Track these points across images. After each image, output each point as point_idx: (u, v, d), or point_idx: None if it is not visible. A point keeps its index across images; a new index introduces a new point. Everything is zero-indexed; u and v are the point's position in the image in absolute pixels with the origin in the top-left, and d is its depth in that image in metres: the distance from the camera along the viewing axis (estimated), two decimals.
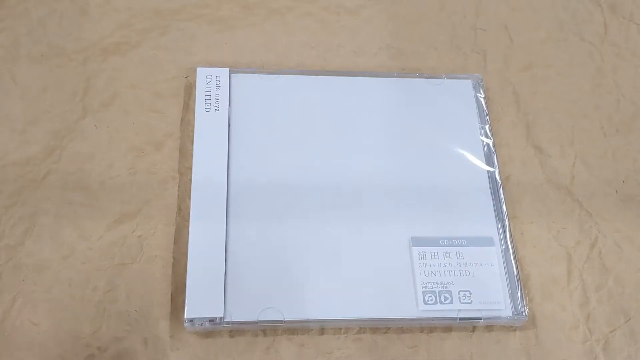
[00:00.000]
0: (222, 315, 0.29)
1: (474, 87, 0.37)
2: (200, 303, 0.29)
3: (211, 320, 0.29)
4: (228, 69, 0.36)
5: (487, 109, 0.37)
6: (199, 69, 0.36)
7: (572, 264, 0.34)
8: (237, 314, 0.29)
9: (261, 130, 0.34)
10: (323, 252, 0.31)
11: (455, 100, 0.36)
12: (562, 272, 0.34)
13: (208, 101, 0.34)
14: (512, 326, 0.32)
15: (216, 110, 0.34)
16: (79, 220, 0.33)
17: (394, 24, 0.40)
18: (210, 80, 0.35)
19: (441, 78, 0.37)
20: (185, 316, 0.29)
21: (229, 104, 0.34)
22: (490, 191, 0.34)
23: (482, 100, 0.37)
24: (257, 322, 0.29)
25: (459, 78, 0.37)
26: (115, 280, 0.32)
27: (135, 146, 0.35)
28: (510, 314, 0.31)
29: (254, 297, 0.30)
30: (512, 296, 0.31)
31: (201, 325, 0.29)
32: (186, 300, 0.29)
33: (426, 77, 0.37)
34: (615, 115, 0.38)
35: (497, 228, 0.33)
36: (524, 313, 0.31)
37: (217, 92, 0.35)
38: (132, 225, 0.33)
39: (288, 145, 0.34)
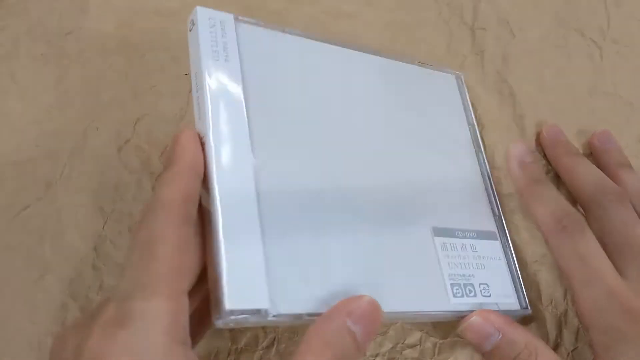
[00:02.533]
0: (268, 307, 0.24)
1: (457, 83, 0.37)
2: (242, 292, 0.23)
3: (255, 312, 0.23)
4: (232, 14, 0.29)
5: (472, 106, 0.37)
6: (199, 9, 0.28)
7: None
8: (284, 306, 0.24)
9: (275, 93, 0.29)
10: (355, 240, 0.28)
11: (442, 93, 0.36)
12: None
13: (215, 48, 0.27)
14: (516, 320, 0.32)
15: (226, 60, 0.28)
16: (80, 219, 0.33)
17: (392, 28, 0.41)
18: (214, 24, 0.28)
19: (431, 67, 0.37)
20: (226, 307, 0.22)
21: (239, 56, 0.28)
22: (484, 185, 0.34)
23: (466, 96, 0.37)
24: (301, 315, 0.25)
25: (444, 71, 0.37)
26: None
27: (140, 146, 0.35)
28: (519, 308, 0.31)
29: (297, 287, 0.25)
30: (515, 290, 0.31)
31: (243, 318, 0.23)
32: (225, 288, 0.23)
33: (418, 64, 0.36)
34: (612, 118, 0.39)
35: (495, 222, 0.33)
36: (528, 307, 0.31)
37: (224, 39, 0.28)
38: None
39: (305, 113, 0.29)
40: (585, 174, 0.34)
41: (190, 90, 0.36)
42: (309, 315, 0.25)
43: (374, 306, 0.25)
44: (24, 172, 0.34)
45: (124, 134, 0.35)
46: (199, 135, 0.26)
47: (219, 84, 0.27)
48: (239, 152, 0.26)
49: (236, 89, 0.27)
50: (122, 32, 0.38)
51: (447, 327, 0.32)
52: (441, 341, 0.32)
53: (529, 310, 0.31)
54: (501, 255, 0.32)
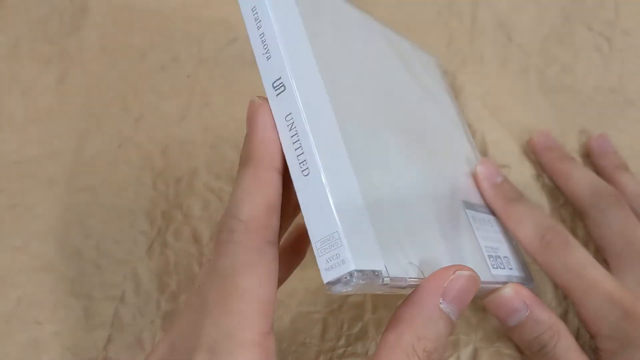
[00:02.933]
0: (382, 269, 0.21)
1: (437, 64, 0.37)
2: (361, 253, 0.20)
3: (372, 275, 0.21)
4: None
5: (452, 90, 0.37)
6: None
7: None
8: (392, 270, 0.21)
9: (325, 42, 0.26)
10: (428, 209, 0.26)
11: (433, 73, 0.36)
12: None
13: None
14: None
15: None
16: (83, 218, 0.33)
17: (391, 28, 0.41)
18: None
19: (416, 46, 0.36)
20: (351, 268, 0.20)
21: None
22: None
23: (446, 79, 0.37)
24: (405, 280, 0.22)
25: (425, 52, 0.37)
26: None
27: (140, 144, 0.35)
28: (528, 281, 0.31)
29: (399, 252, 0.22)
30: (522, 263, 0.32)
31: (361, 279, 0.20)
32: (347, 249, 0.20)
33: (409, 42, 0.36)
34: (614, 117, 0.38)
35: None
36: (532, 280, 0.32)
37: None
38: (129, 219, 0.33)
39: (355, 73, 0.27)
40: (581, 177, 0.33)
41: (191, 91, 0.36)
42: (411, 279, 0.22)
43: (473, 281, 0.23)
44: (27, 171, 0.34)
45: (125, 132, 0.36)
46: (266, 98, 0.23)
47: (284, 22, 0.23)
48: (322, 103, 0.23)
49: (301, 32, 0.23)
50: (122, 32, 0.38)
51: None
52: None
53: (533, 284, 0.32)
54: (505, 230, 0.32)
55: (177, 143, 0.35)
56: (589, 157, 0.37)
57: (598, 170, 0.35)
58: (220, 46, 0.38)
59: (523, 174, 0.36)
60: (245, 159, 0.22)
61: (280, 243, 0.27)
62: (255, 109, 0.22)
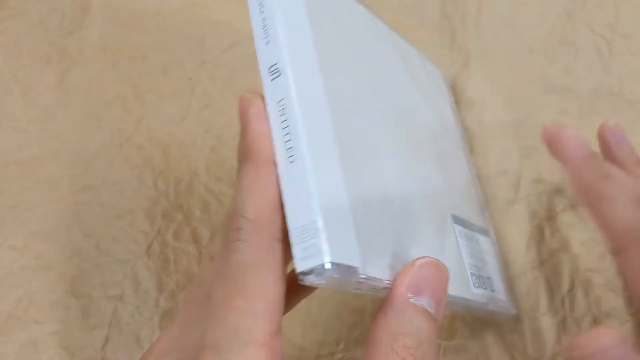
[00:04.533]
0: (359, 265, 0.20)
1: (443, 77, 0.37)
2: (337, 247, 0.20)
3: (348, 270, 0.20)
4: None
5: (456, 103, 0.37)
6: None
7: None
8: (369, 268, 0.21)
9: (326, 35, 0.25)
10: (413, 212, 0.26)
11: (437, 85, 0.36)
12: None
13: None
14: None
15: None
16: (83, 217, 0.33)
17: (393, 28, 0.40)
18: None
19: (423, 56, 0.36)
20: (326, 259, 0.19)
21: None
22: (474, 181, 0.34)
23: (452, 92, 0.37)
24: (382, 281, 0.22)
25: (433, 63, 0.37)
26: None
27: (141, 144, 0.35)
28: (511, 307, 0.30)
29: (377, 252, 0.22)
30: (506, 288, 0.31)
31: (335, 273, 0.20)
32: (323, 241, 0.20)
33: (415, 49, 0.35)
34: (615, 119, 0.38)
35: (484, 218, 0.33)
36: (515, 308, 0.31)
37: None
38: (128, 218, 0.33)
39: (356, 71, 0.27)
40: (624, 209, 0.28)
41: (191, 92, 0.36)
42: (388, 281, 0.22)
43: (436, 267, 0.22)
44: (27, 171, 0.34)
45: (126, 132, 0.36)
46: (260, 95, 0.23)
47: (287, 9, 0.23)
48: (316, 92, 0.22)
49: (303, 20, 0.23)
50: (123, 33, 0.38)
51: (452, 329, 0.32)
52: (446, 343, 0.32)
53: (515, 311, 0.31)
54: (492, 252, 0.32)
55: (178, 144, 0.35)
56: (601, 147, 0.35)
57: (614, 163, 0.32)
58: (221, 48, 0.38)
59: (523, 177, 0.36)
60: (244, 155, 0.22)
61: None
62: (247, 103, 0.22)
